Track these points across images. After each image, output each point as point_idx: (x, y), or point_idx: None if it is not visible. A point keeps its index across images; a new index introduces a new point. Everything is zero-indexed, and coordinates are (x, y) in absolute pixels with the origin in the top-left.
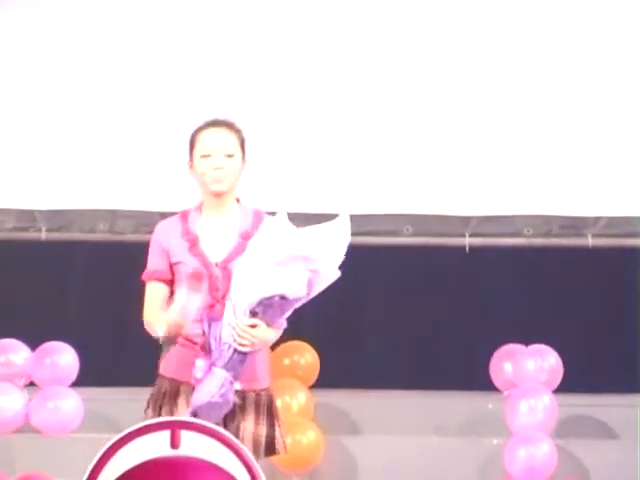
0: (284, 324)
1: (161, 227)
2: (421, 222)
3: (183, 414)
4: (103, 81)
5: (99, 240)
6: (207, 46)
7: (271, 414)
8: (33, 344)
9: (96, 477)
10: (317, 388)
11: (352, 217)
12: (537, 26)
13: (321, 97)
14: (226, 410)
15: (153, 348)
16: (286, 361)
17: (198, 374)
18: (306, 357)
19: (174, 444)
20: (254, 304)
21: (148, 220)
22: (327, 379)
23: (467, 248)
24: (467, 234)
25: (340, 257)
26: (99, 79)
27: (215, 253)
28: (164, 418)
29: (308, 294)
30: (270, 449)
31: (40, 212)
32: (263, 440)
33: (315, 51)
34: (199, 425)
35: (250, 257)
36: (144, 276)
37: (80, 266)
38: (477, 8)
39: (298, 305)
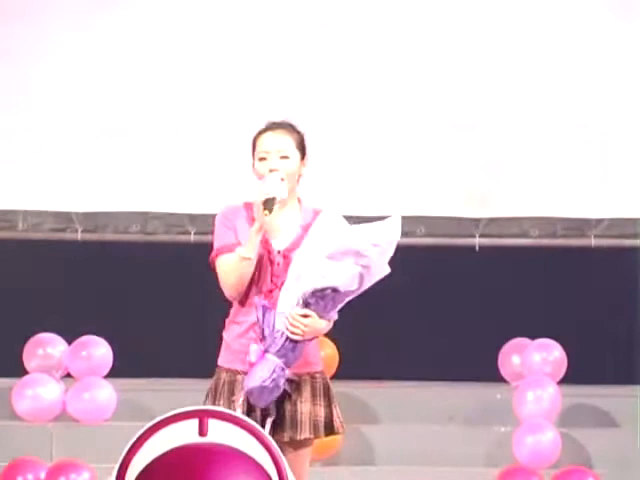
0: (335, 316)
1: (227, 210)
2: (433, 223)
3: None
4: (138, 89)
5: (132, 240)
6: (243, 55)
7: (328, 395)
8: (70, 338)
9: (129, 463)
10: (337, 379)
11: (367, 219)
12: (545, 34)
13: (338, 105)
14: (277, 395)
15: (182, 342)
16: None
17: (252, 358)
18: (326, 350)
19: (202, 432)
20: (307, 295)
21: (178, 222)
22: (346, 371)
23: (477, 248)
24: (477, 235)
25: (390, 254)
26: (133, 87)
27: (277, 241)
28: (192, 407)
29: (359, 288)
30: (329, 429)
31: (76, 214)
32: (322, 420)
33: (331, 60)
34: (225, 414)
35: (305, 250)
36: (213, 254)
37: (114, 265)
38: (496, 17)
39: (349, 299)
